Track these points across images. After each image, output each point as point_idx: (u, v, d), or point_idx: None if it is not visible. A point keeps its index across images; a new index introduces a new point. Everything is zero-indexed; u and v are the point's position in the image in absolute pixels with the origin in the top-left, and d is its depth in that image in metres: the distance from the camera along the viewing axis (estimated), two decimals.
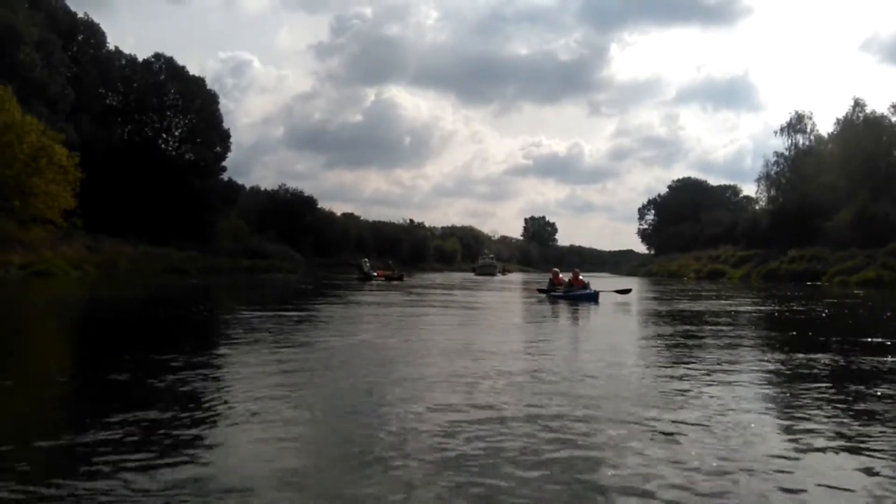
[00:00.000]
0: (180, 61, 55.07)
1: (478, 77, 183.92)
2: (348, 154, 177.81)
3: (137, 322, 12.14)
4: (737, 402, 5.47)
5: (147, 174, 48.37)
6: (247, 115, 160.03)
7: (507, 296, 26.79)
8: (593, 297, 19.18)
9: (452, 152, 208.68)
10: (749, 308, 18.96)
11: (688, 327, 12.36)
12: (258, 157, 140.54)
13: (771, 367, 7.55)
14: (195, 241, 48.70)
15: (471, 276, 63.67)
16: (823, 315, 16.71)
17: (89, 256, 30.80)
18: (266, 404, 5.01)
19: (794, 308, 18.66)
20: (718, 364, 7.50)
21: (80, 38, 45.60)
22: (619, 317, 15.79)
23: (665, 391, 5.89)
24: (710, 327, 12.44)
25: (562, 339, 10.96)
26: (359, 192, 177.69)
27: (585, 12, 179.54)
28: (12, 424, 4.55)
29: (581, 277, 21.46)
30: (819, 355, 8.28)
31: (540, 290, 22.40)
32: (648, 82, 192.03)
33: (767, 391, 6.26)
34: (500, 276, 64.12)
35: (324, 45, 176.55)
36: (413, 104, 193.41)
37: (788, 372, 7.17)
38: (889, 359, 8.07)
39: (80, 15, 45.92)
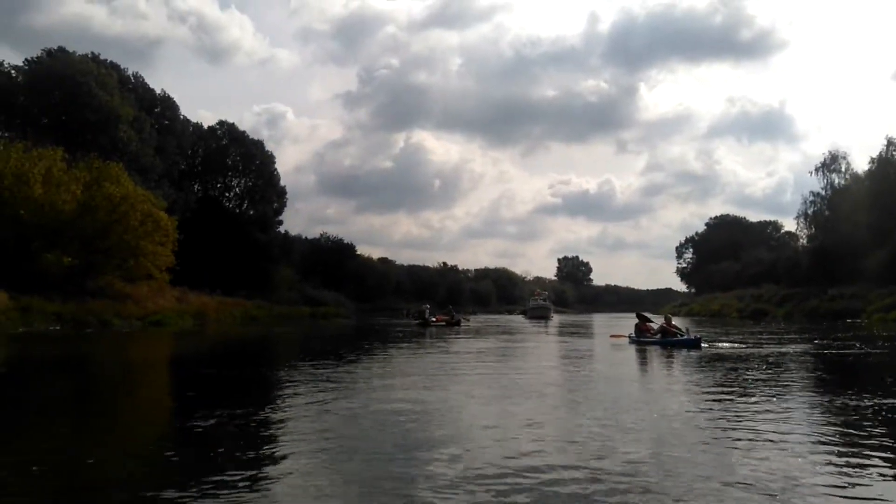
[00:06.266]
0: (222, 116, 60.77)
1: (504, 119, 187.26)
2: (378, 198, 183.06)
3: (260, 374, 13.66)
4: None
5: (216, 230, 52.98)
6: (281, 164, 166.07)
7: (585, 342, 25.51)
8: (694, 343, 17.71)
9: (479, 193, 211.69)
10: (828, 350, 18.35)
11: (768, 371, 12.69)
12: (291, 204, 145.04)
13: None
14: (258, 291, 52.68)
15: (520, 318, 60.95)
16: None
17: (181, 307, 34.44)
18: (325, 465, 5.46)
19: (846, 350, 18.35)
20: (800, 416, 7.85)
21: (156, 110, 50.78)
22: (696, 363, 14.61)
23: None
24: (796, 373, 12.95)
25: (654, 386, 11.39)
26: (388, 236, 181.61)
27: (612, 52, 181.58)
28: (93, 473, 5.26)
29: (675, 323, 20.25)
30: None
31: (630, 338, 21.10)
32: (678, 118, 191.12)
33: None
34: (554, 319, 59.77)
35: (352, 95, 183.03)
36: (442, 148, 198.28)
37: (843, 413, 7.89)
38: None
39: (158, 91, 51.24)
